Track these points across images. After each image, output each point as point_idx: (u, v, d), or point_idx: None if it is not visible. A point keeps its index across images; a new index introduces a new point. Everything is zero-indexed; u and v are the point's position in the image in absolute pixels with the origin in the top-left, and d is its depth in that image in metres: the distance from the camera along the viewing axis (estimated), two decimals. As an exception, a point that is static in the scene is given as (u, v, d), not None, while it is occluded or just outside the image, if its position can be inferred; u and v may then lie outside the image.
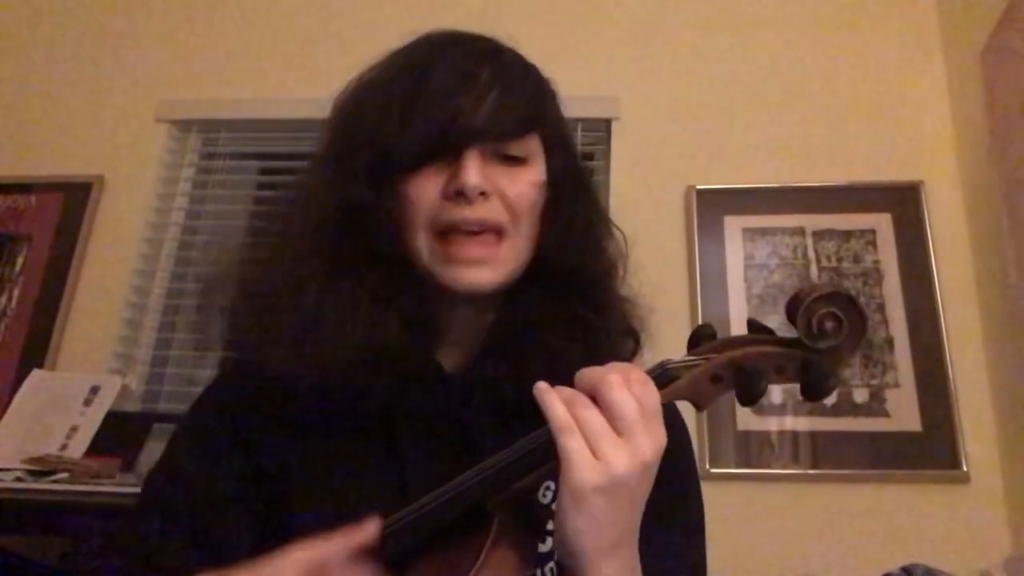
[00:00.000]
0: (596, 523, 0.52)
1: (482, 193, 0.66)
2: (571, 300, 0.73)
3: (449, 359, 0.74)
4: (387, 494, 0.66)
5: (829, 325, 0.57)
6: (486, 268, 0.68)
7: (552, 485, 0.67)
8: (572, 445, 0.52)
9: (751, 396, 0.58)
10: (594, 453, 0.52)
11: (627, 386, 0.54)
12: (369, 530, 0.58)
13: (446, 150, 0.66)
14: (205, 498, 0.68)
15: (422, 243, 0.68)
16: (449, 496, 0.58)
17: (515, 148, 0.69)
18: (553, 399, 0.54)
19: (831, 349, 0.57)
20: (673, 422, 0.75)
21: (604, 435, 0.52)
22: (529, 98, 0.70)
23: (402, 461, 0.69)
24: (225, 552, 0.66)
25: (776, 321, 0.58)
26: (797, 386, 0.59)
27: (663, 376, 0.59)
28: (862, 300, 0.58)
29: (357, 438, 0.69)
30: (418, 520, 0.59)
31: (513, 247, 0.69)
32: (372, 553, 0.58)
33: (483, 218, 0.67)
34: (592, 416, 0.53)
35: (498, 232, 0.68)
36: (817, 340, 0.57)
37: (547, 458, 0.56)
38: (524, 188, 0.70)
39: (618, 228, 0.80)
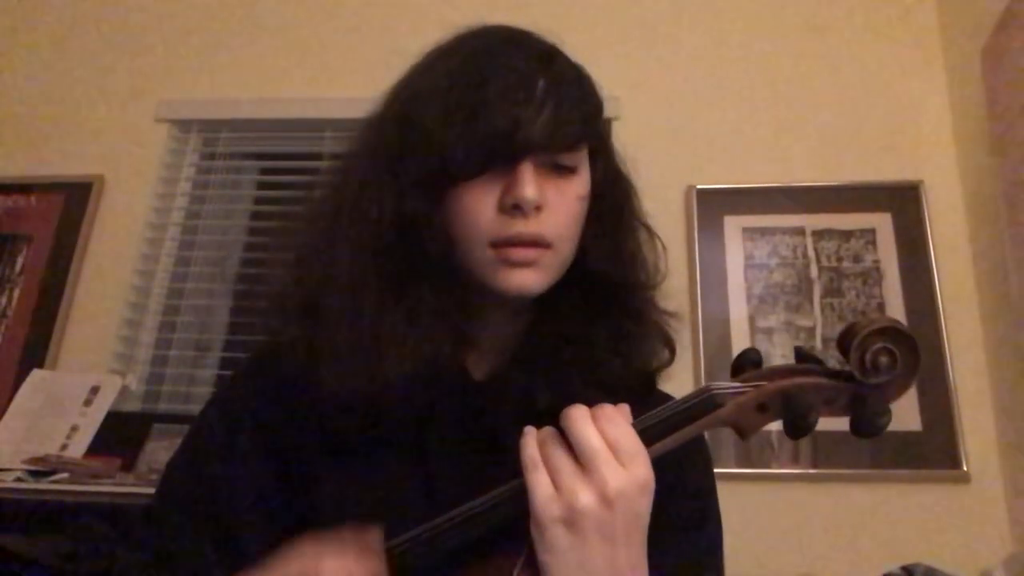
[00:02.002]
0: (562, 556, 0.53)
1: (537, 207, 0.66)
2: (611, 310, 0.72)
3: (477, 366, 0.73)
4: (414, 502, 0.66)
5: (883, 361, 0.56)
6: (535, 271, 0.67)
7: None
8: (534, 479, 0.55)
9: (800, 429, 0.56)
10: (556, 487, 0.54)
11: (591, 420, 0.55)
12: (372, 538, 0.58)
13: (503, 161, 0.65)
14: (228, 498, 0.68)
15: (474, 252, 0.67)
16: (479, 511, 0.58)
17: (567, 159, 0.69)
18: (528, 440, 0.57)
19: (883, 385, 0.56)
20: (695, 458, 0.75)
21: (565, 469, 0.54)
22: (584, 109, 0.70)
23: (430, 469, 0.69)
24: (246, 553, 0.65)
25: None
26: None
27: (708, 402, 0.58)
28: (905, 326, 0.58)
29: (385, 445, 0.69)
30: (445, 534, 0.58)
31: (558, 256, 0.69)
32: (391, 563, 0.57)
33: (536, 233, 0.66)
34: (557, 452, 0.55)
35: (546, 246, 0.67)
36: (869, 375, 0.56)
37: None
38: (572, 202, 0.69)
39: (657, 236, 0.79)
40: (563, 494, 0.53)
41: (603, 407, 0.57)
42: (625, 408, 0.59)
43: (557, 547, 0.53)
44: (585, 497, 0.53)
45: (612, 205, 0.75)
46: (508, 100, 0.65)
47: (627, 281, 0.74)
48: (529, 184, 0.65)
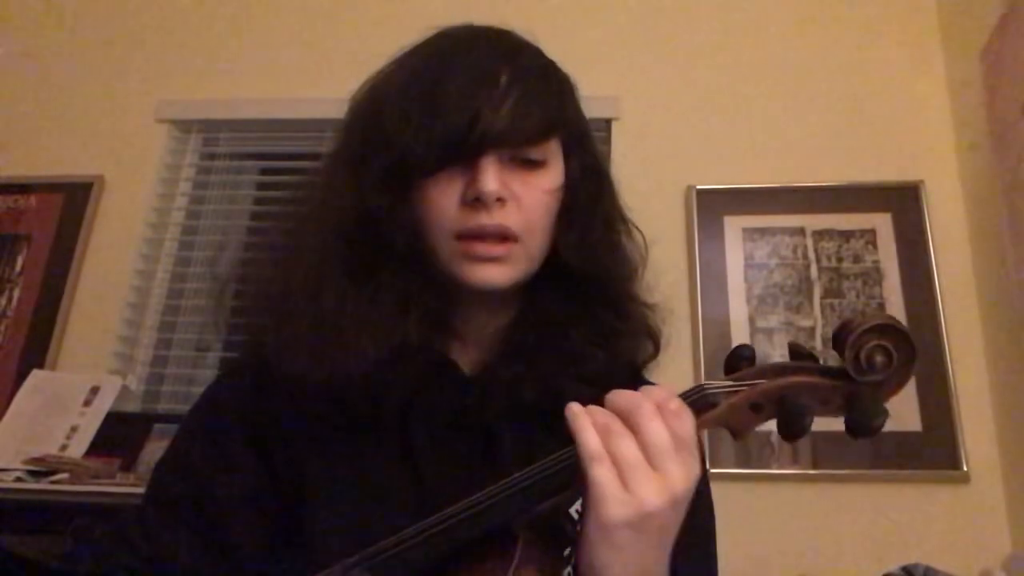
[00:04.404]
0: (623, 556, 0.51)
1: (499, 199, 0.66)
2: (593, 303, 0.72)
3: (464, 359, 0.73)
4: (403, 495, 0.65)
5: (879, 359, 0.55)
6: (502, 266, 0.67)
7: (579, 506, 0.66)
8: (602, 476, 0.51)
9: (794, 430, 0.55)
10: (625, 485, 0.51)
11: (661, 416, 0.53)
12: None
13: (464, 155, 0.65)
14: (217, 497, 0.68)
15: (440, 245, 0.67)
16: (472, 512, 0.57)
17: (533, 152, 0.69)
18: (585, 424, 0.53)
19: (878, 384, 0.55)
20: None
21: (637, 467, 0.51)
22: (549, 102, 0.69)
23: (418, 462, 0.68)
24: (237, 553, 0.65)
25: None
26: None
27: (700, 402, 0.57)
28: (903, 325, 0.57)
29: (373, 438, 0.69)
30: (438, 535, 0.57)
31: (527, 249, 0.69)
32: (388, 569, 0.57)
33: (500, 225, 0.66)
34: (626, 446, 0.52)
35: (515, 238, 0.67)
36: (864, 373, 0.55)
37: (578, 479, 0.55)
38: (540, 195, 0.69)
39: (638, 229, 0.79)
40: (634, 494, 0.51)
41: (670, 399, 0.55)
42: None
43: (620, 547, 0.51)
44: (657, 500, 0.51)
45: (588, 199, 0.74)
46: (466, 95, 0.65)
47: (604, 274, 0.73)
48: (490, 178, 0.65)
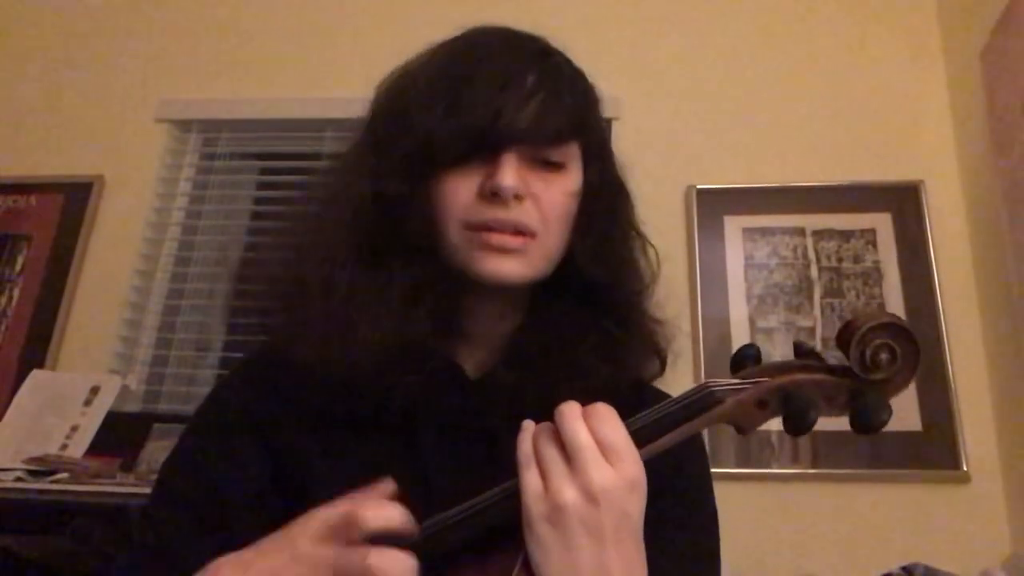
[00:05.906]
0: (549, 553, 0.53)
1: (516, 196, 0.66)
2: (601, 316, 0.72)
3: (470, 362, 0.73)
4: (408, 495, 0.66)
5: (883, 357, 0.55)
6: (516, 259, 0.67)
7: None
8: (526, 477, 0.55)
9: (800, 426, 0.56)
10: (545, 483, 0.54)
11: (582, 417, 0.55)
12: (386, 490, 0.58)
13: (485, 150, 0.66)
14: (224, 494, 0.68)
15: (454, 235, 0.68)
16: (478, 510, 0.58)
17: (554, 154, 0.69)
18: (524, 436, 0.57)
19: (883, 382, 0.56)
20: (691, 456, 0.75)
21: (554, 465, 0.54)
22: (573, 105, 0.70)
23: (424, 463, 0.69)
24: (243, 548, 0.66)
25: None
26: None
27: (707, 399, 0.58)
28: (901, 318, 0.57)
29: (378, 438, 0.69)
30: (445, 531, 0.58)
31: (542, 247, 0.69)
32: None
33: (516, 220, 0.66)
34: (548, 448, 0.55)
35: (530, 234, 0.68)
36: (869, 371, 0.55)
37: None
38: (558, 196, 0.69)
39: (651, 245, 0.79)
40: (549, 490, 0.54)
41: (595, 405, 0.57)
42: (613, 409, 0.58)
43: (544, 544, 0.53)
44: (569, 493, 0.53)
45: (606, 209, 0.74)
46: (493, 91, 0.66)
47: (616, 285, 0.73)
48: (509, 174, 0.65)
